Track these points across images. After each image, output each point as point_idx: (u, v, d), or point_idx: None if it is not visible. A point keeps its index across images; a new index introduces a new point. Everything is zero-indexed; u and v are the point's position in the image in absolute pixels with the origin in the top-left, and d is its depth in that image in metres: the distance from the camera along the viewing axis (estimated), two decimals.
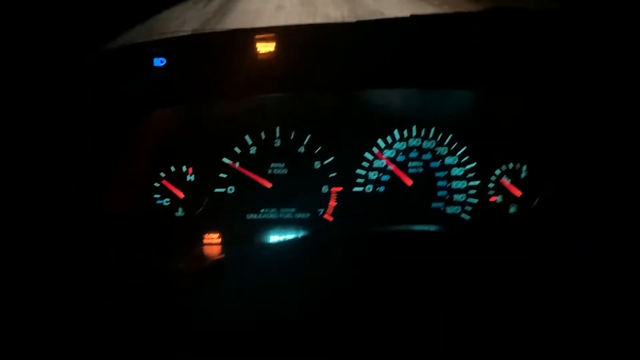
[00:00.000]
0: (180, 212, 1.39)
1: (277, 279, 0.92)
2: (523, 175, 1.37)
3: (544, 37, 1.15)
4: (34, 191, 1.06)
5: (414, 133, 1.36)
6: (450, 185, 1.37)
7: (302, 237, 1.15)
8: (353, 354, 0.82)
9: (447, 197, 1.38)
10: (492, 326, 0.88)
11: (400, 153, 1.37)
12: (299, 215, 1.40)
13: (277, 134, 1.36)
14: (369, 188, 1.38)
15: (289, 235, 1.39)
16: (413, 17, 1.17)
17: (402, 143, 1.37)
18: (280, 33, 1.18)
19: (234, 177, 1.37)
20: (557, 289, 0.97)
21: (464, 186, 1.37)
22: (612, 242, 1.13)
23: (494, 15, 1.15)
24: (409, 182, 1.37)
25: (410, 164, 1.37)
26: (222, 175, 1.37)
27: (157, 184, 1.37)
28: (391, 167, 1.37)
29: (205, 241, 1.37)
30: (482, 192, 1.37)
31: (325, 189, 1.38)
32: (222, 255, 1.20)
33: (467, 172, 1.36)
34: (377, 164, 1.37)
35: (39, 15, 0.99)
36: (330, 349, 0.82)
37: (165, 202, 1.38)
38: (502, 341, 0.86)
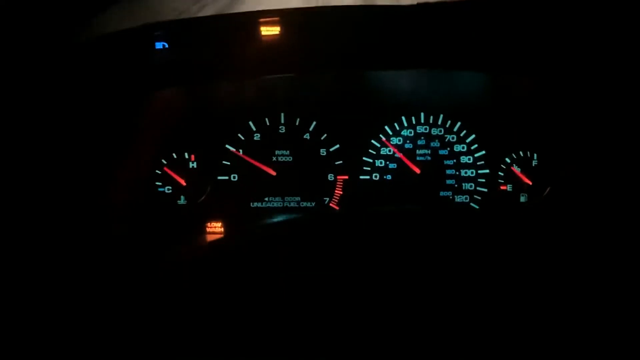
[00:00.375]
0: (182, 200, 1.36)
1: (276, 266, 0.90)
2: (534, 163, 1.33)
3: (554, 20, 1.12)
4: (35, 179, 1.04)
5: (422, 120, 1.33)
6: (459, 174, 1.34)
7: (304, 224, 1.13)
8: (354, 343, 0.80)
9: (455, 186, 1.35)
10: (497, 319, 0.86)
11: (408, 140, 1.34)
12: (304, 204, 1.37)
13: (282, 120, 1.33)
14: (376, 176, 1.35)
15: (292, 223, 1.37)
16: (419, 5, 1.14)
17: (409, 130, 1.33)
18: (284, 15, 1.15)
19: (238, 165, 1.34)
20: (566, 283, 0.95)
21: (473, 174, 1.34)
22: (624, 232, 1.10)
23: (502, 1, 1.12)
24: (417, 170, 1.34)
25: (418, 151, 1.34)
26: (225, 162, 1.34)
27: (158, 172, 1.35)
28: (399, 154, 1.33)
29: (207, 229, 1.35)
30: (491, 180, 1.34)
31: (331, 177, 1.35)
32: (224, 243, 1.18)
33: (476, 160, 1.33)
34: (384, 151, 1.34)
35: None
36: (330, 338, 0.80)
37: (167, 189, 1.36)
38: (508, 335, 0.84)
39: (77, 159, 1.14)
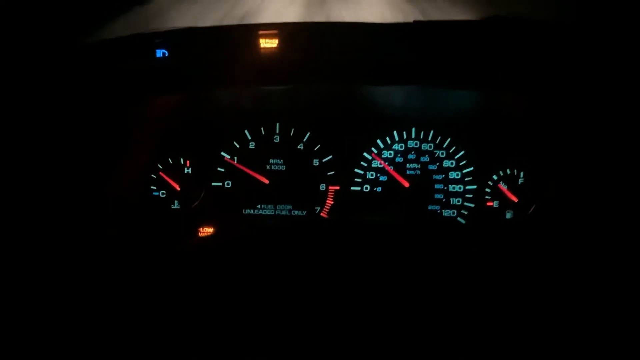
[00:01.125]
0: (176, 205, 1.39)
1: (268, 270, 0.93)
2: (520, 181, 1.37)
3: (542, 45, 1.16)
4: (34, 176, 1.06)
5: (413, 135, 1.36)
6: (447, 189, 1.38)
7: (295, 232, 1.16)
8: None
9: (443, 200, 1.38)
10: (479, 328, 0.89)
11: (399, 154, 1.37)
12: (296, 212, 1.40)
13: (277, 130, 1.36)
14: (367, 188, 1.38)
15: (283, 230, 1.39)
16: (416, 23, 1.18)
17: (400, 144, 1.37)
18: (282, 29, 1.19)
19: (232, 171, 1.37)
20: (548, 297, 0.98)
21: (461, 190, 1.37)
22: (606, 249, 1.14)
23: (494, 24, 1.16)
24: (406, 184, 1.37)
25: (408, 165, 1.37)
26: (219, 169, 1.37)
27: (154, 176, 1.37)
28: (388, 169, 1.37)
29: (200, 234, 1.37)
30: (478, 196, 1.37)
31: (322, 187, 1.38)
32: (216, 248, 1.20)
33: (464, 176, 1.37)
34: (375, 164, 1.38)
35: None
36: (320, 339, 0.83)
37: (162, 194, 1.38)
38: (490, 344, 0.86)
39: (75, 159, 1.17)
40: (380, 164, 1.37)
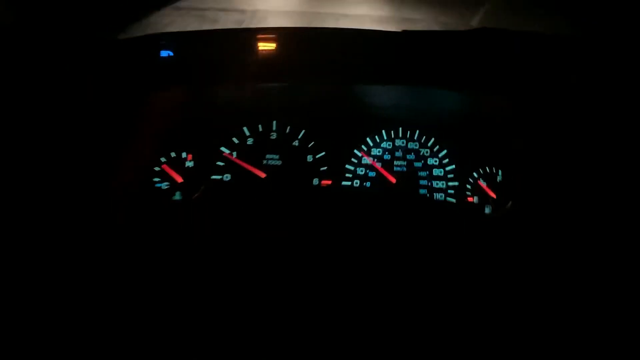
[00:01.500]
0: (177, 196, 1.47)
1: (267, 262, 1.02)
2: (499, 179, 1.47)
3: (524, 55, 1.26)
4: (38, 168, 1.13)
5: (400, 134, 1.47)
6: (431, 185, 1.48)
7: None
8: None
9: (427, 196, 1.48)
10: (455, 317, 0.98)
11: (387, 152, 1.48)
12: None
13: (274, 127, 1.45)
14: (357, 183, 1.48)
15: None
16: (405, 32, 1.28)
17: (388, 143, 1.47)
18: (279, 33, 1.28)
19: (231, 166, 1.46)
20: (523, 287, 1.07)
21: (444, 186, 1.48)
22: (578, 242, 1.24)
23: (481, 34, 1.26)
24: (393, 180, 1.47)
25: (395, 162, 1.48)
26: (219, 163, 1.46)
27: (157, 168, 1.46)
28: (375, 165, 1.47)
29: (200, 224, 1.45)
30: (460, 192, 1.48)
31: (315, 181, 1.48)
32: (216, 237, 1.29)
33: (447, 173, 1.47)
34: (365, 160, 1.48)
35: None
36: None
37: (164, 185, 1.47)
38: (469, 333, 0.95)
39: (80, 150, 1.24)
40: (371, 162, 1.47)
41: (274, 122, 1.45)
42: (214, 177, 1.47)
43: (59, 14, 1.19)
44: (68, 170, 1.21)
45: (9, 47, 1.08)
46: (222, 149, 1.46)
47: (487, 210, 1.49)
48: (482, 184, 1.47)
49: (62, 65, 1.16)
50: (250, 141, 1.46)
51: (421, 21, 1.50)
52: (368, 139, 1.47)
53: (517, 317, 1.01)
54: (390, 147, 1.47)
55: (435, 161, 1.47)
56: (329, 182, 1.48)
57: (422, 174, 1.48)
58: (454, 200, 1.48)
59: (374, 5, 1.62)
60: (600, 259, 1.13)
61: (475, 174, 1.47)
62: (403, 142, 1.47)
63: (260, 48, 1.29)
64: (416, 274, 1.05)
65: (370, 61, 1.33)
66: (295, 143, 1.46)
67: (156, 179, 1.47)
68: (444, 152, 1.46)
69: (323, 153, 1.46)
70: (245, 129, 1.45)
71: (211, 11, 1.46)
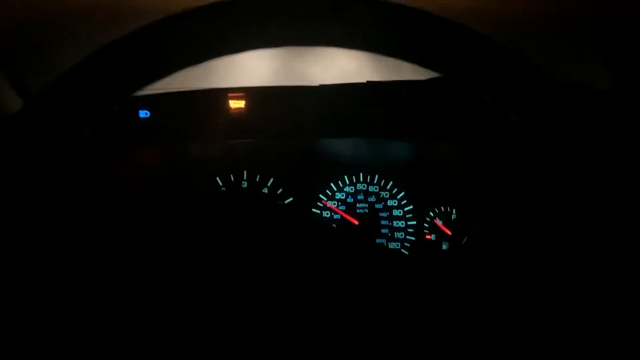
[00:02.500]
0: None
1: None
2: (453, 217, 1.61)
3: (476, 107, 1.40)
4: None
5: (361, 179, 1.60)
6: (392, 224, 1.60)
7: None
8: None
9: (389, 235, 1.60)
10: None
11: (350, 195, 1.60)
12: None
13: (245, 177, 1.57)
14: None
15: None
16: (368, 83, 1.43)
17: (351, 187, 1.60)
18: (248, 92, 1.42)
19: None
20: (479, 317, 1.18)
21: (403, 225, 1.60)
22: (528, 278, 1.36)
23: (437, 84, 1.40)
24: (355, 222, 1.59)
25: (357, 205, 1.60)
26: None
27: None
28: (337, 210, 1.59)
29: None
30: (418, 230, 1.60)
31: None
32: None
33: (405, 213, 1.60)
34: (329, 204, 1.60)
35: None
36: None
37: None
38: None
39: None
40: (335, 204, 1.59)
41: (245, 172, 1.57)
42: None
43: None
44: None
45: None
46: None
47: (444, 247, 1.62)
48: (438, 222, 1.60)
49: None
50: (223, 189, 1.57)
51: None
52: (332, 184, 1.59)
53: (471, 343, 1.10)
54: (353, 191, 1.60)
55: (395, 202, 1.60)
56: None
57: (383, 214, 1.60)
58: (413, 238, 1.60)
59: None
60: (548, 284, 1.25)
61: (431, 213, 1.60)
62: (364, 186, 1.60)
63: (230, 105, 1.43)
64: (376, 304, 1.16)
65: (334, 116, 1.47)
66: (265, 190, 1.58)
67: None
68: (402, 194, 1.60)
69: (291, 199, 1.58)
70: (217, 179, 1.56)
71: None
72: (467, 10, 1.15)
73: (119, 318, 1.12)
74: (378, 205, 1.60)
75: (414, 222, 1.60)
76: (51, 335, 0.89)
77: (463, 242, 1.60)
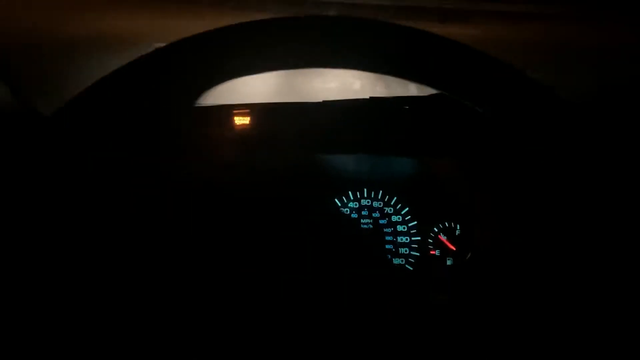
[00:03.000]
0: None
1: None
2: (457, 233, 1.61)
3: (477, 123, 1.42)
4: None
5: (365, 194, 1.61)
6: (396, 240, 1.60)
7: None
8: None
9: (393, 250, 1.60)
10: None
11: (354, 211, 1.61)
12: None
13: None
14: None
15: None
16: (372, 99, 1.45)
17: (355, 203, 1.61)
18: (254, 109, 1.44)
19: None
20: (482, 333, 1.18)
21: (408, 241, 1.60)
22: (531, 295, 1.36)
23: (437, 101, 1.41)
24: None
25: (362, 220, 1.61)
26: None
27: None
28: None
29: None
30: (422, 246, 1.60)
31: None
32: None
33: (409, 229, 1.60)
34: None
35: None
36: None
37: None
38: None
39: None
40: None
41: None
42: None
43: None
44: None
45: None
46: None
47: (448, 262, 1.62)
48: (442, 237, 1.60)
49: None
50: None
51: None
52: (336, 200, 1.60)
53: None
54: (357, 206, 1.61)
55: (399, 218, 1.61)
56: None
57: (387, 230, 1.61)
58: (417, 254, 1.60)
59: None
60: (553, 299, 1.25)
61: (435, 229, 1.60)
62: (368, 202, 1.61)
63: (235, 122, 1.44)
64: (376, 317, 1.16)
65: (339, 132, 1.49)
66: None
67: None
68: (406, 209, 1.60)
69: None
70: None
71: None
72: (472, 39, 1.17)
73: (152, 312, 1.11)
74: (382, 221, 1.61)
75: (418, 238, 1.60)
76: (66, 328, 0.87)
77: (467, 257, 1.60)
